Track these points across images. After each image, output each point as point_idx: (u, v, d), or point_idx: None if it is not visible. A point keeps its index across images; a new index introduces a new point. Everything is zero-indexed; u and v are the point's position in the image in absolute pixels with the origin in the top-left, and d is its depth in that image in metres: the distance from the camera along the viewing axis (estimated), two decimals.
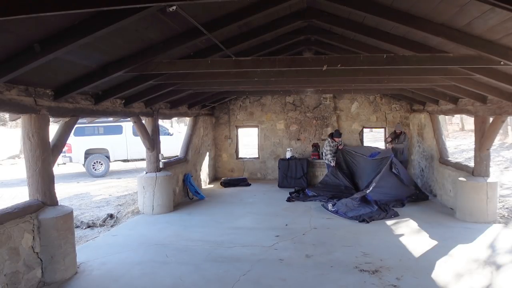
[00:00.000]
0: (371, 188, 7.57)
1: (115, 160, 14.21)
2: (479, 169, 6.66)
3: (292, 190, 9.35)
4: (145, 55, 4.40)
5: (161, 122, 9.99)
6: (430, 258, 4.97)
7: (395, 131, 9.58)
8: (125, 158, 14.36)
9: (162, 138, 8.31)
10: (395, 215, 7.02)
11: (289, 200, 8.63)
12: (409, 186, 8.21)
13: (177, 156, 9.71)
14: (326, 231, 6.29)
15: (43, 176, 4.43)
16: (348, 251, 5.31)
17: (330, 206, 7.56)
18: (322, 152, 9.91)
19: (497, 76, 4.65)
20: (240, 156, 11.93)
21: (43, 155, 4.40)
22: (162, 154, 7.83)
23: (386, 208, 7.21)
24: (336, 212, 7.29)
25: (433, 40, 4.50)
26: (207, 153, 10.98)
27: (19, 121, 4.57)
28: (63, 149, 5.64)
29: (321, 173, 10.22)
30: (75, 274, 4.63)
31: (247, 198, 8.96)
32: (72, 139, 12.41)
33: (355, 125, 11.07)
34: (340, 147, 9.36)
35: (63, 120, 4.92)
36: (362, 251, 5.28)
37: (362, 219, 6.76)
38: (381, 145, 12.04)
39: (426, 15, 3.75)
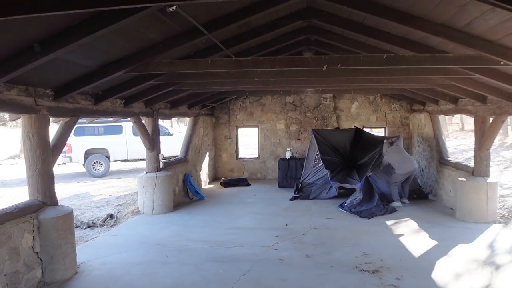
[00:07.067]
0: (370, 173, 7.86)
1: (115, 160, 14.20)
2: (479, 169, 6.66)
3: (294, 190, 9.33)
4: (145, 55, 4.39)
5: (161, 122, 9.98)
6: (430, 258, 4.97)
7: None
8: (125, 158, 14.35)
9: (162, 138, 8.30)
10: (393, 211, 7.31)
11: (294, 198, 8.64)
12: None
13: (177, 156, 9.71)
14: (326, 231, 6.29)
15: (43, 176, 4.43)
16: (348, 251, 5.31)
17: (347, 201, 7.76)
18: None
19: (497, 76, 4.65)
20: (240, 156, 11.93)
21: (43, 155, 4.40)
22: (162, 154, 7.83)
23: (385, 205, 7.48)
24: (343, 207, 7.60)
25: (433, 40, 4.50)
26: (207, 153, 10.98)
27: (19, 121, 4.56)
28: (63, 149, 5.64)
29: None
30: (75, 274, 4.63)
31: (247, 198, 8.96)
32: (72, 139, 12.40)
33: (355, 125, 11.05)
34: None
35: (63, 120, 4.91)
36: (362, 251, 5.28)
37: (363, 216, 6.97)
38: None
39: (426, 15, 3.74)
